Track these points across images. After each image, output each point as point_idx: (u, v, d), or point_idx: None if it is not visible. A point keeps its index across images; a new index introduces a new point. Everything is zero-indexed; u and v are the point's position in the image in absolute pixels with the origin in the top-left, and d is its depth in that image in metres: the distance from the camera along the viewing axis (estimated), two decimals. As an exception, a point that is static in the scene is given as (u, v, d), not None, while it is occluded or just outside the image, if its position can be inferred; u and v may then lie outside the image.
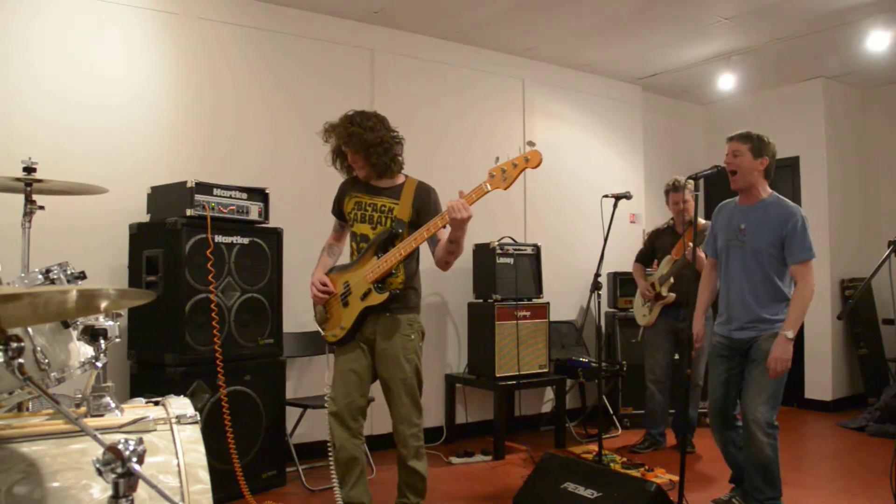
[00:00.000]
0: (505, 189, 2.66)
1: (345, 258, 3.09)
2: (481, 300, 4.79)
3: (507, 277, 4.70)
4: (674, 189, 4.48)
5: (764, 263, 3.09)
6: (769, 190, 3.19)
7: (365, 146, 2.84)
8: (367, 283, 2.82)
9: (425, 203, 2.90)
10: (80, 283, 1.94)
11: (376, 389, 3.00)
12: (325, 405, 2.90)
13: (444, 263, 2.86)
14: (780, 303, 3.08)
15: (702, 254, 3.61)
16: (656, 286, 4.49)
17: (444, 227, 2.70)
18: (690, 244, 4.18)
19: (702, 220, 4.44)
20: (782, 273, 3.10)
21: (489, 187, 2.64)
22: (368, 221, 2.92)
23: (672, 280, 4.40)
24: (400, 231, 2.85)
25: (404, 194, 2.91)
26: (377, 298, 2.81)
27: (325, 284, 2.90)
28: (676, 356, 4.57)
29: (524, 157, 2.62)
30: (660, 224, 4.79)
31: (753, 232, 3.13)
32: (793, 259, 3.03)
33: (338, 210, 3.08)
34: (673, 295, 4.41)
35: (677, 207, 4.48)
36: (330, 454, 2.88)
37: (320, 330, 2.98)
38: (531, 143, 2.66)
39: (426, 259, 2.97)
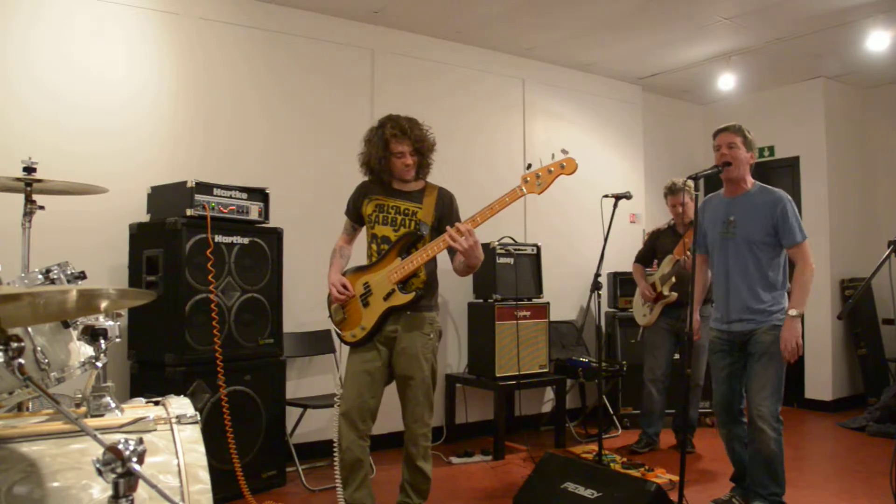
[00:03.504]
0: (539, 194, 2.76)
1: (355, 260, 3.08)
2: (481, 300, 4.79)
3: (507, 277, 4.70)
4: (671, 192, 4.47)
5: (757, 253, 3.12)
6: (753, 180, 3.23)
7: (431, 149, 2.97)
8: (391, 284, 2.83)
9: (448, 209, 2.98)
10: (80, 283, 1.94)
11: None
12: (336, 405, 2.89)
13: (462, 273, 2.93)
14: (773, 292, 3.11)
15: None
16: (657, 285, 4.48)
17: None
18: (690, 249, 4.19)
19: None
20: (775, 261, 3.13)
21: (524, 191, 2.72)
22: (391, 224, 2.92)
23: (674, 279, 4.40)
24: (425, 233, 2.88)
25: (426, 199, 2.95)
26: (402, 298, 2.83)
27: (344, 285, 2.89)
28: (677, 356, 4.56)
29: (559, 164, 2.70)
30: (660, 224, 4.78)
31: (743, 222, 3.15)
32: (789, 242, 3.08)
33: (354, 211, 3.06)
34: (675, 294, 4.39)
35: (676, 210, 4.47)
36: (335, 454, 2.88)
37: (337, 330, 2.96)
38: (565, 151, 2.72)
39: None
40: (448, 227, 2.73)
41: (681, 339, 4.45)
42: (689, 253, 4.18)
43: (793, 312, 3.00)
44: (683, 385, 3.15)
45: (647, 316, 4.57)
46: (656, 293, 4.49)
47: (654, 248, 4.64)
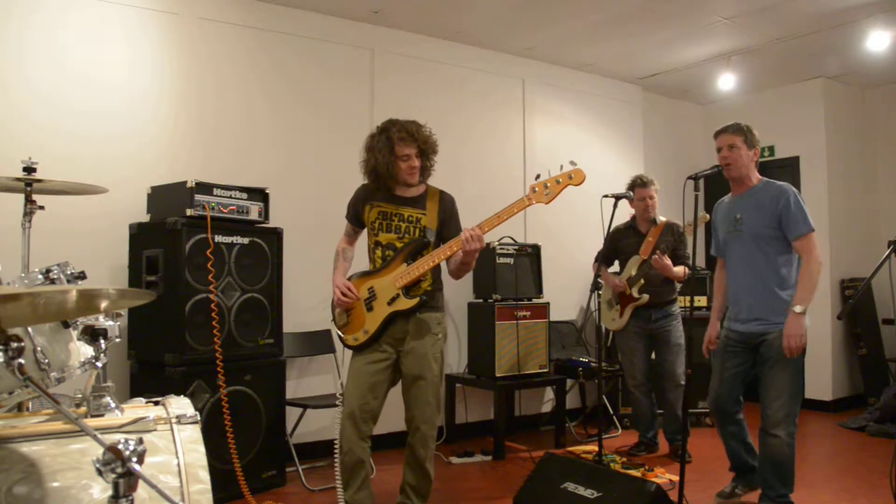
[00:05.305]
0: (546, 203, 2.78)
1: (358, 265, 3.08)
2: (481, 300, 4.79)
3: (507, 277, 4.70)
4: (642, 184, 4.33)
5: (765, 248, 3.08)
6: (759, 176, 3.22)
7: (435, 151, 2.97)
8: (396, 289, 2.83)
9: (450, 213, 2.99)
10: (80, 283, 1.94)
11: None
12: (338, 405, 2.89)
13: (457, 275, 2.96)
14: (787, 290, 3.05)
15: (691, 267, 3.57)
16: (626, 289, 4.36)
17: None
18: (659, 248, 4.16)
19: (662, 218, 4.39)
20: (785, 257, 3.07)
21: (531, 201, 2.74)
22: (395, 231, 2.92)
23: (643, 281, 4.29)
24: (431, 240, 2.90)
25: (429, 204, 2.95)
26: (406, 303, 2.84)
27: (349, 289, 2.89)
28: (654, 356, 4.50)
29: (567, 175, 2.72)
30: (618, 223, 4.43)
31: (749, 217, 3.13)
32: (793, 234, 3.03)
33: (355, 216, 3.07)
34: (647, 296, 4.28)
35: (644, 203, 4.33)
36: (335, 455, 2.88)
37: (340, 333, 2.96)
38: (573, 163, 2.73)
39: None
40: (463, 230, 2.73)
41: (653, 339, 4.42)
42: (658, 253, 4.14)
43: (797, 309, 2.94)
44: (686, 387, 3.15)
45: (617, 320, 4.47)
46: (626, 296, 4.38)
47: (615, 248, 4.49)
